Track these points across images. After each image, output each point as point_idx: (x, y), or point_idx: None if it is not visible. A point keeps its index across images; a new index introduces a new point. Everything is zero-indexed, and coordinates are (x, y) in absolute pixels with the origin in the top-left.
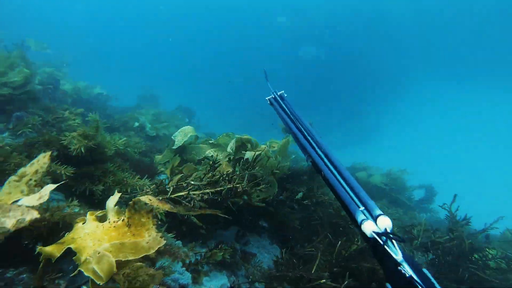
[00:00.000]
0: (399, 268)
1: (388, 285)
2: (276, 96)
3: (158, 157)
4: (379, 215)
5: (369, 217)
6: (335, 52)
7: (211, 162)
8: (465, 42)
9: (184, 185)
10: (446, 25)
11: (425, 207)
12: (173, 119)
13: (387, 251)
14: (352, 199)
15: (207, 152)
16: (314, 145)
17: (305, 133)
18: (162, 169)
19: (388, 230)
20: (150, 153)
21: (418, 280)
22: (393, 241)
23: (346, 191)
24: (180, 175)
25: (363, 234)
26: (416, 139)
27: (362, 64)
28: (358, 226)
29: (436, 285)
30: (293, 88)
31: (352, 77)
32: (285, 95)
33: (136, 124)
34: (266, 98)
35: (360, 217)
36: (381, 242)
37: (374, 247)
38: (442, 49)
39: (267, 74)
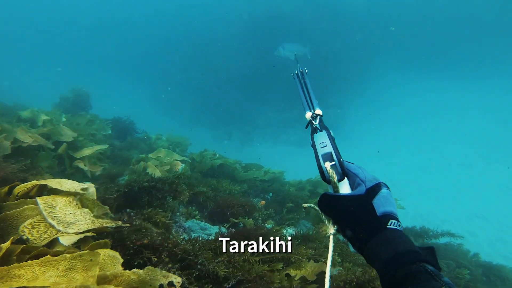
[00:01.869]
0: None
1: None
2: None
3: None
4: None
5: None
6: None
7: None
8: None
9: None
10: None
11: None
12: None
13: (312, 122)
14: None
15: None
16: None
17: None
18: None
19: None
20: None
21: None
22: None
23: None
24: None
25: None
26: (381, 133)
27: (324, 56)
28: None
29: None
30: (245, 82)
31: (315, 69)
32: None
33: None
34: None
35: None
36: (311, 119)
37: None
38: (406, 40)
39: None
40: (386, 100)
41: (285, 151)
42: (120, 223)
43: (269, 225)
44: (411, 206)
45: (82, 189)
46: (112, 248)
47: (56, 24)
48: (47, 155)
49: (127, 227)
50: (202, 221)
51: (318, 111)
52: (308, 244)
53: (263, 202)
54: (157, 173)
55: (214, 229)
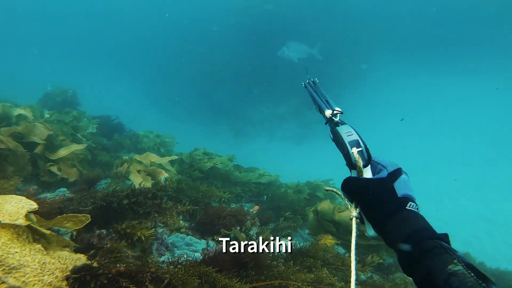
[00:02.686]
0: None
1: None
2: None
3: None
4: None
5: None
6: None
7: None
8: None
9: None
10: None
11: None
12: None
13: (332, 118)
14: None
15: None
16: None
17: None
18: None
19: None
20: None
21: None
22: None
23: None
24: None
25: (325, 117)
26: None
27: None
28: (323, 112)
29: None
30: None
31: (311, 64)
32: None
33: None
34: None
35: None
36: (331, 116)
37: (331, 126)
38: (404, 34)
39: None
40: (383, 96)
41: (281, 148)
42: (84, 258)
43: (264, 236)
44: None
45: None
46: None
47: (47, 19)
48: (15, 158)
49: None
50: (188, 235)
51: (338, 109)
52: (305, 260)
53: (256, 208)
54: (138, 180)
55: (201, 244)
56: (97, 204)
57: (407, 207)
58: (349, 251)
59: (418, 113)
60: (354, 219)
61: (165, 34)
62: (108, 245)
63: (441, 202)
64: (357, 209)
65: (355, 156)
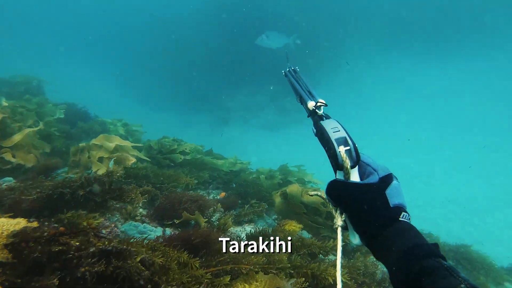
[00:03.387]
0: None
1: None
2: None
3: None
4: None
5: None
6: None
7: None
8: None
9: None
10: None
11: None
12: None
13: (316, 111)
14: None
15: None
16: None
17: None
18: None
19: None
20: None
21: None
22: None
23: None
24: None
25: (307, 109)
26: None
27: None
28: (305, 103)
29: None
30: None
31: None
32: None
33: None
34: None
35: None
36: (315, 108)
37: (314, 119)
38: (381, 20)
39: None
40: (359, 83)
41: (257, 136)
42: None
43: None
44: None
45: None
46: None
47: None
48: None
49: None
50: (144, 222)
51: (322, 101)
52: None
53: (223, 194)
54: (102, 170)
55: (156, 232)
56: (44, 193)
57: (400, 219)
58: (314, 234)
59: (393, 99)
60: (339, 228)
61: (140, 21)
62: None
63: (413, 185)
64: (343, 216)
65: (342, 155)
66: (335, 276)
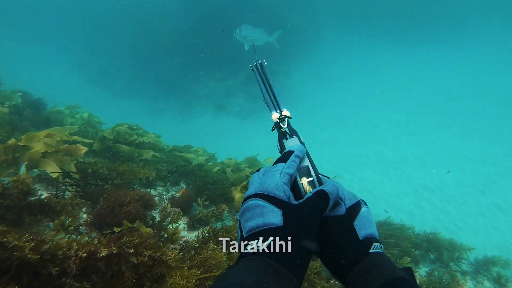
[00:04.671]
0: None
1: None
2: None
3: None
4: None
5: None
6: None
7: None
8: None
9: None
10: None
11: None
12: None
13: (280, 124)
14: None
15: None
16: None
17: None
18: None
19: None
20: None
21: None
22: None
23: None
24: None
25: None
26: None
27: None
28: (270, 112)
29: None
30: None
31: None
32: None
33: None
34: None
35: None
36: (278, 121)
37: (278, 134)
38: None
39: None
40: (332, 67)
41: (226, 124)
42: None
43: (179, 225)
44: (358, 180)
45: None
46: None
47: None
48: None
49: None
50: (81, 233)
51: (286, 112)
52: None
53: (182, 191)
54: (48, 167)
55: None
56: None
57: (371, 251)
58: None
59: (365, 85)
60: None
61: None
62: None
63: (386, 172)
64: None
65: (305, 188)
66: None
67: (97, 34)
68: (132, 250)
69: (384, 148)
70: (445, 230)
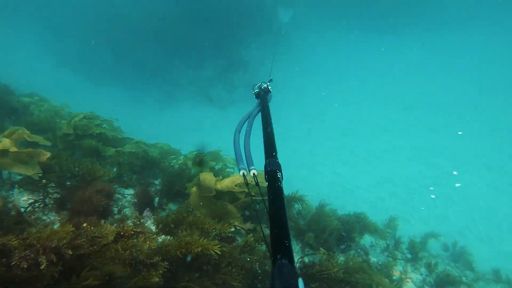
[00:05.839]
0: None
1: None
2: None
3: None
4: (253, 169)
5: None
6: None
7: None
8: None
9: None
10: None
11: None
12: None
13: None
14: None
15: None
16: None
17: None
18: None
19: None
20: None
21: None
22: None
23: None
24: None
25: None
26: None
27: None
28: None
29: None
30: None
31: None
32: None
33: None
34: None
35: (241, 167)
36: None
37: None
38: None
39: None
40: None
41: (205, 114)
42: None
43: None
44: (330, 173)
45: None
46: None
47: None
48: None
49: None
50: None
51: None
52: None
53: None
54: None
55: None
56: None
57: None
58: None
59: (337, 80)
60: None
61: None
62: None
63: (354, 166)
64: None
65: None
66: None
67: (70, 17)
68: None
69: (355, 142)
70: (403, 221)
